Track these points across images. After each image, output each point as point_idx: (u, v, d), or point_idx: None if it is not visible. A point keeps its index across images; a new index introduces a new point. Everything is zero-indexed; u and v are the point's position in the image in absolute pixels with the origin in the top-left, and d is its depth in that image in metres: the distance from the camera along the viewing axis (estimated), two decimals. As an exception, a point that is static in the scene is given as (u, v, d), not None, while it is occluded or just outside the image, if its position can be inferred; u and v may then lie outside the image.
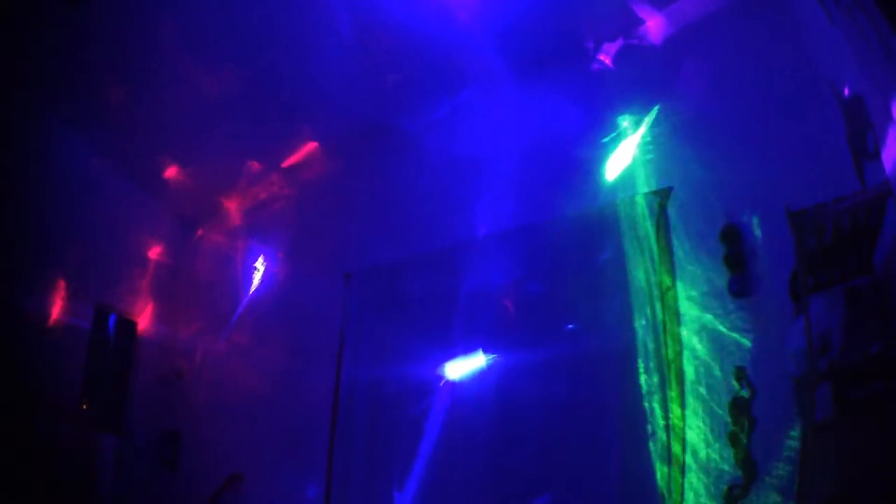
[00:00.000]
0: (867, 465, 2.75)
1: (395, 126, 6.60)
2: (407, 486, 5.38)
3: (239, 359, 6.95)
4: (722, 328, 4.42)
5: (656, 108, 5.21)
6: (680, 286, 4.69)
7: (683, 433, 4.33)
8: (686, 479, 4.24)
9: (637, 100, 5.32)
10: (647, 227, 4.94)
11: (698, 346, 4.49)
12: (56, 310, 6.32)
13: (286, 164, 7.30)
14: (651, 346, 4.61)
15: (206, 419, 6.91)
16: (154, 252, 7.66)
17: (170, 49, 5.69)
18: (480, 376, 5.37)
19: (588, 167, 5.39)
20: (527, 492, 4.84)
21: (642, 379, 4.57)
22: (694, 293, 4.62)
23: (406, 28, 5.46)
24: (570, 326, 5.17)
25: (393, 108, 6.49)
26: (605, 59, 5.66)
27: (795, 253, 3.31)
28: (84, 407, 6.55)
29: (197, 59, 5.87)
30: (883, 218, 3.10)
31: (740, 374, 4.22)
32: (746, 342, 4.30)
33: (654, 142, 5.19)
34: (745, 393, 4.17)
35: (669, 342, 4.56)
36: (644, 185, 5.13)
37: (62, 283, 6.41)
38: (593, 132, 5.45)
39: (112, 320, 7.08)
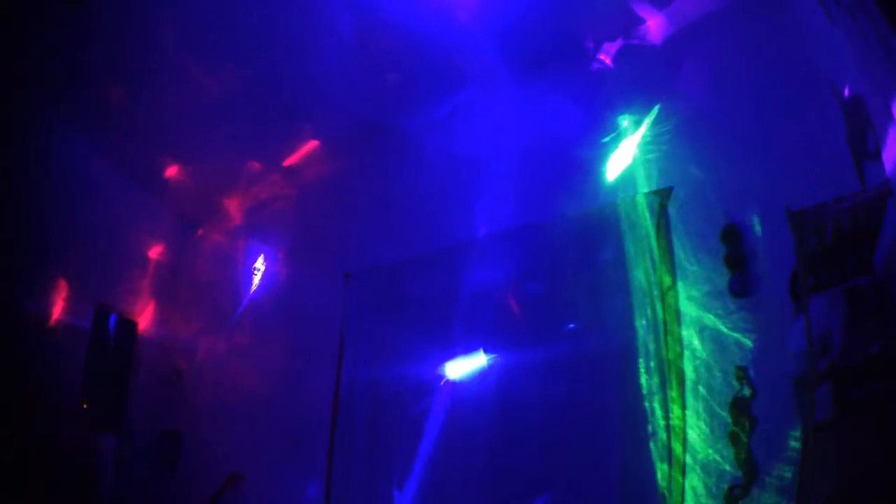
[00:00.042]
0: (867, 465, 2.75)
1: (395, 126, 6.61)
2: (407, 486, 5.38)
3: (239, 359, 6.94)
4: (723, 328, 4.42)
5: (656, 107, 5.21)
6: (681, 286, 4.69)
7: (684, 433, 4.33)
8: (686, 479, 4.24)
9: (637, 99, 5.33)
10: (648, 226, 4.94)
11: (699, 346, 4.49)
12: (56, 310, 6.32)
13: (287, 163, 7.30)
14: (652, 346, 4.61)
15: (206, 419, 6.90)
16: (154, 252, 7.66)
17: (170, 49, 5.69)
18: (480, 376, 5.37)
19: (588, 167, 5.39)
20: (527, 492, 4.84)
21: (643, 379, 4.57)
22: (695, 293, 4.63)
23: (406, 28, 5.46)
24: (571, 326, 5.17)
25: (393, 108, 6.49)
26: (605, 58, 5.66)
27: (795, 253, 3.31)
28: (84, 407, 6.55)
29: (197, 59, 5.87)
30: (883, 218, 3.10)
31: (741, 373, 4.22)
32: (747, 342, 4.30)
33: (655, 141, 5.19)
34: (745, 393, 4.17)
35: (670, 342, 4.56)
36: (644, 185, 5.13)
37: (62, 283, 6.41)
38: (593, 132, 5.45)
39: (112, 320, 7.08)
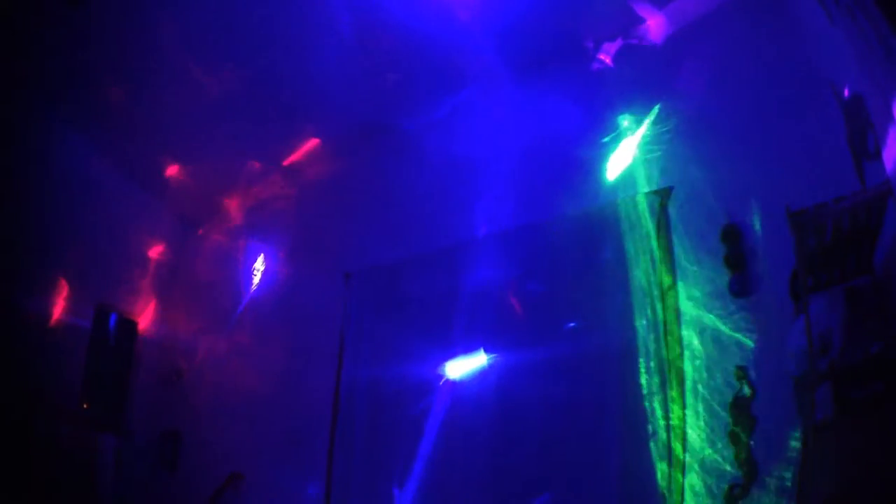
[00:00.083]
0: (867, 465, 2.75)
1: (395, 126, 6.61)
2: (407, 486, 5.38)
3: (239, 359, 6.95)
4: (723, 328, 4.42)
5: (657, 107, 5.21)
6: (681, 286, 4.68)
7: (684, 433, 4.33)
8: (686, 479, 4.24)
9: (637, 99, 5.32)
10: (648, 226, 4.94)
11: (699, 346, 4.49)
12: (56, 309, 6.32)
13: (288, 161, 7.30)
14: (652, 346, 4.61)
15: (206, 419, 6.91)
16: (154, 251, 7.66)
17: (170, 49, 5.69)
18: (480, 376, 5.37)
19: (588, 167, 5.39)
20: (527, 492, 4.84)
21: (643, 379, 4.57)
22: (695, 293, 4.62)
23: (406, 28, 5.46)
24: (571, 326, 5.17)
25: (393, 108, 6.49)
26: (605, 58, 5.66)
27: (795, 253, 3.30)
28: (84, 407, 6.55)
29: (197, 59, 5.87)
30: (883, 218, 3.10)
31: (741, 373, 4.22)
32: (747, 342, 4.30)
33: (655, 141, 5.18)
34: (745, 393, 4.17)
35: (670, 342, 4.56)
36: (644, 185, 5.12)
37: (62, 283, 6.42)
38: (593, 132, 5.44)
39: (112, 320, 7.08)
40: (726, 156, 4.74)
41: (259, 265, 7.33)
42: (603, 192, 5.29)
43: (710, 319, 4.50)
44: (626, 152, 5.27)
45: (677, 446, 4.30)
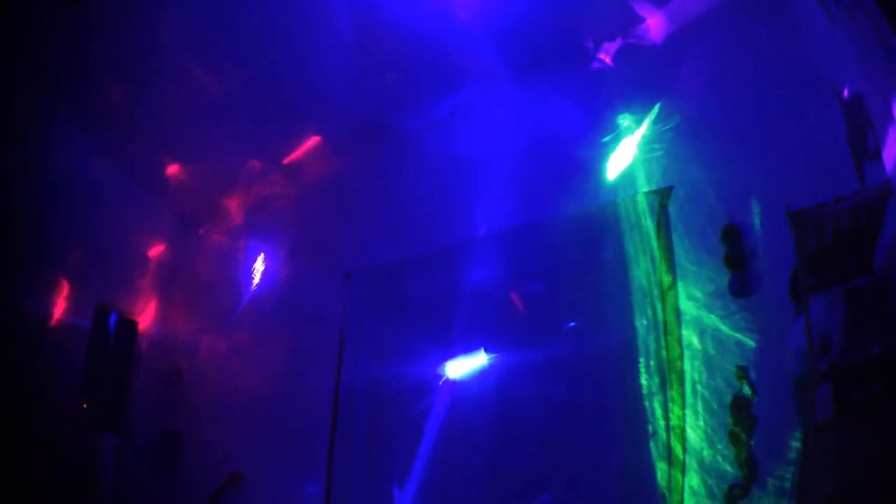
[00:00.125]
0: (867, 465, 2.75)
1: (395, 126, 6.61)
2: (407, 486, 5.38)
3: (239, 359, 6.95)
4: (723, 328, 4.42)
5: (656, 107, 5.21)
6: (681, 286, 4.68)
7: (684, 433, 4.33)
8: (686, 479, 4.24)
9: (637, 99, 5.32)
10: (648, 226, 4.94)
11: (699, 346, 4.49)
12: (57, 309, 6.33)
13: (288, 160, 7.30)
14: (652, 346, 4.61)
15: (206, 419, 6.91)
16: (155, 251, 7.67)
17: (170, 49, 5.69)
18: (480, 376, 5.37)
19: (588, 167, 5.39)
20: (527, 492, 4.84)
21: (643, 379, 4.57)
22: (696, 293, 4.62)
23: (406, 28, 5.46)
24: (571, 326, 5.17)
25: (393, 108, 6.49)
26: (605, 58, 5.66)
27: (795, 253, 3.31)
28: (84, 407, 6.55)
29: (197, 59, 5.88)
30: (883, 218, 3.10)
31: (741, 373, 4.22)
32: (747, 342, 4.30)
33: (655, 141, 5.18)
34: (745, 392, 4.17)
35: (670, 342, 4.56)
36: (644, 185, 5.12)
37: (63, 283, 6.42)
38: (593, 132, 5.44)
39: (113, 319, 7.08)
40: (726, 155, 4.74)
41: (259, 265, 7.33)
42: (603, 192, 5.29)
43: (711, 319, 4.49)
44: (626, 152, 5.27)
45: (677, 446, 4.30)
